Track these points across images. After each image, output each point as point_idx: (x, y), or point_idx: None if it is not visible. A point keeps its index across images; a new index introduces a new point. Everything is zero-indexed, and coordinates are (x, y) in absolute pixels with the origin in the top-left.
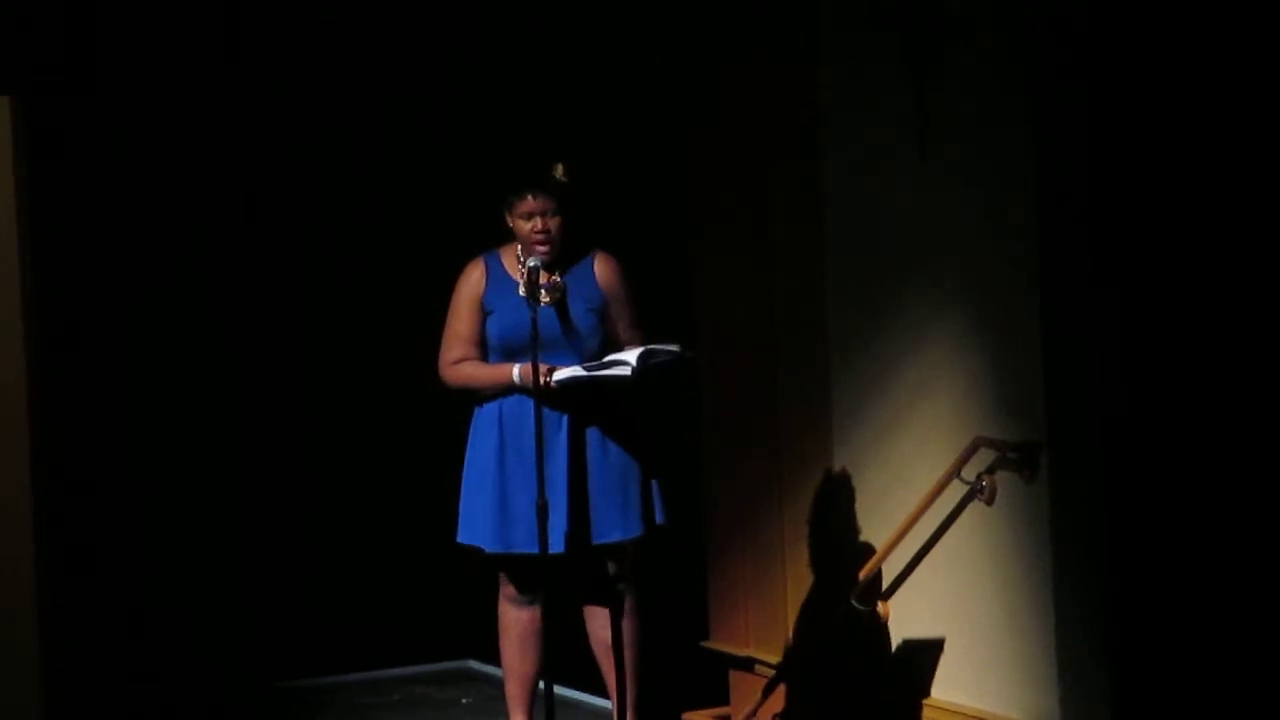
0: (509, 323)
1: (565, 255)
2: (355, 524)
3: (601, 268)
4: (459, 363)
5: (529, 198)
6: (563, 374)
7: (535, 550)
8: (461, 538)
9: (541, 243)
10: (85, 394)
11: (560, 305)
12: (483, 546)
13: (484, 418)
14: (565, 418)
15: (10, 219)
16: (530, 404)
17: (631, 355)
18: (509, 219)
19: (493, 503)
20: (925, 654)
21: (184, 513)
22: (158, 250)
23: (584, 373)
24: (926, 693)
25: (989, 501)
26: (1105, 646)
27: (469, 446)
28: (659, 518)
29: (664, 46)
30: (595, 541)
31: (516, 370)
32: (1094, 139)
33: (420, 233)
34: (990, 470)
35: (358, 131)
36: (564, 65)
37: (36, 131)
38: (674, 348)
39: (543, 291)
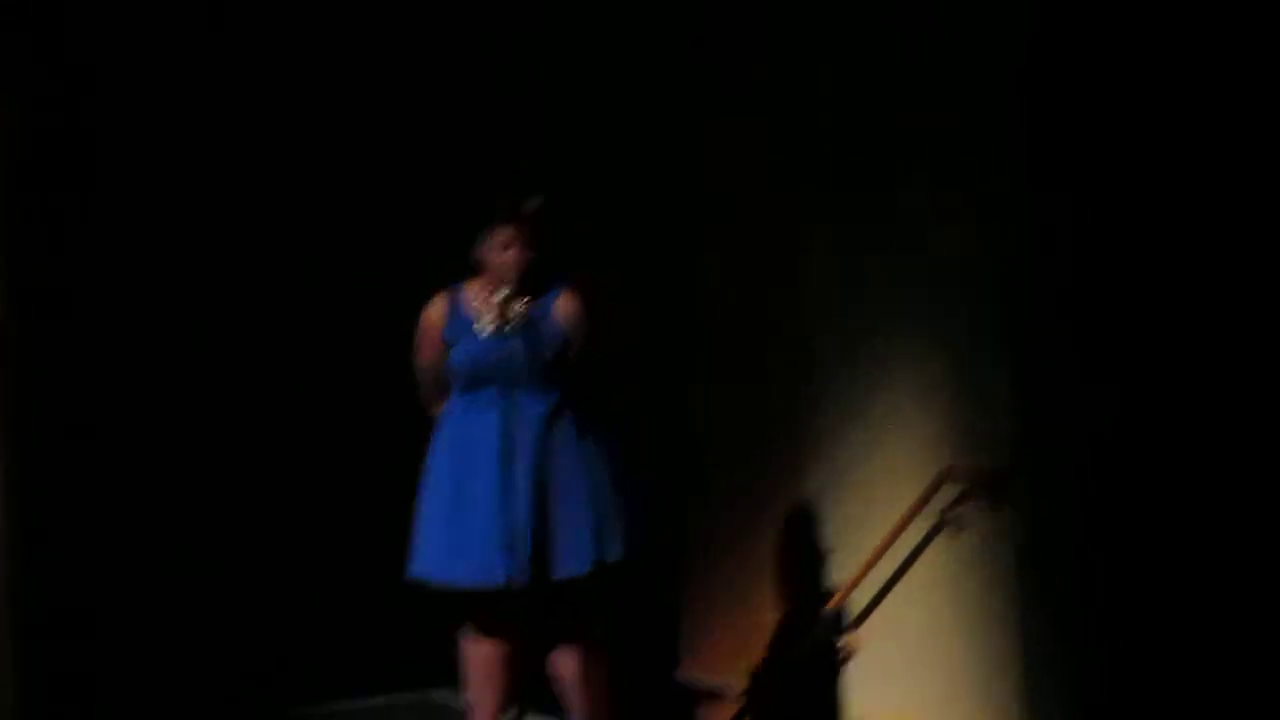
0: (471, 353)
1: (532, 288)
2: (317, 554)
3: (565, 302)
4: (431, 394)
5: (506, 228)
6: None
7: (496, 582)
8: (413, 571)
9: (519, 271)
10: (56, 401)
11: (526, 336)
12: (436, 578)
13: (437, 442)
14: (529, 441)
15: None
16: (490, 427)
17: None
18: (481, 252)
19: (447, 532)
20: (892, 683)
21: (144, 545)
22: (138, 253)
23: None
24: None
25: (959, 531)
26: (1073, 676)
27: (423, 474)
28: (621, 549)
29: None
30: (558, 575)
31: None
32: (1074, 172)
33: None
34: (960, 500)
35: (336, 146)
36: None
37: (12, 129)
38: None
39: (508, 323)
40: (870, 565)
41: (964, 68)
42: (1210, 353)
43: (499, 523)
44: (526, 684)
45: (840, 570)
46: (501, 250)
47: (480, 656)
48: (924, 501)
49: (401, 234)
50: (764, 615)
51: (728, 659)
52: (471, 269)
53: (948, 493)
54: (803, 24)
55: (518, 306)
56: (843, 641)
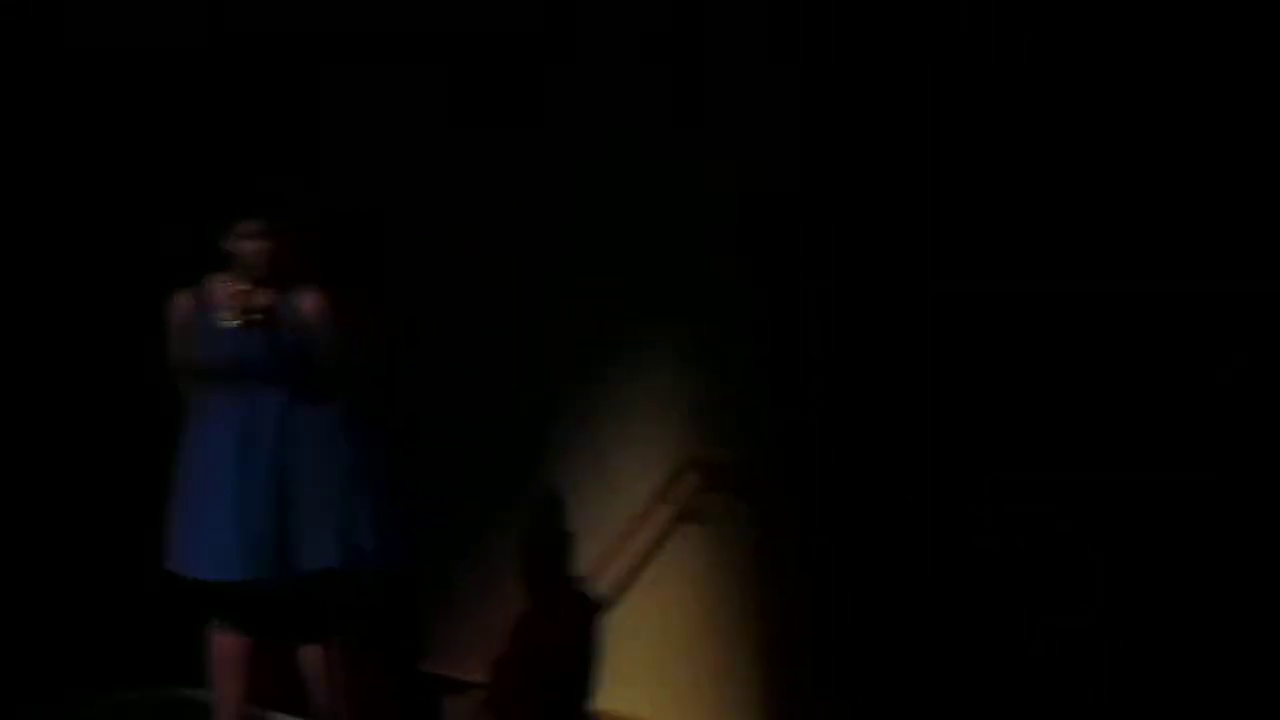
0: (212, 346)
1: (277, 285)
2: (60, 547)
3: (309, 301)
4: (185, 386)
5: (251, 221)
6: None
7: (237, 577)
8: (167, 564)
9: (262, 265)
10: None
11: (267, 331)
12: (181, 572)
13: (184, 436)
14: (270, 435)
15: None
16: (231, 421)
17: None
18: (227, 243)
19: (191, 527)
20: (637, 672)
21: None
22: None
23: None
24: (641, 712)
25: (702, 523)
26: (815, 669)
27: (175, 468)
28: (367, 544)
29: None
30: (301, 569)
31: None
32: (799, 166)
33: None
34: (702, 490)
35: (86, 136)
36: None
37: None
38: None
39: (248, 315)
40: (614, 555)
41: None
42: (954, 346)
43: (240, 518)
44: (272, 679)
45: (587, 560)
46: (246, 242)
47: (224, 651)
48: (666, 493)
49: (154, 225)
50: (511, 607)
51: (474, 652)
52: (221, 261)
53: (691, 484)
54: None
55: (260, 299)
56: (589, 631)
